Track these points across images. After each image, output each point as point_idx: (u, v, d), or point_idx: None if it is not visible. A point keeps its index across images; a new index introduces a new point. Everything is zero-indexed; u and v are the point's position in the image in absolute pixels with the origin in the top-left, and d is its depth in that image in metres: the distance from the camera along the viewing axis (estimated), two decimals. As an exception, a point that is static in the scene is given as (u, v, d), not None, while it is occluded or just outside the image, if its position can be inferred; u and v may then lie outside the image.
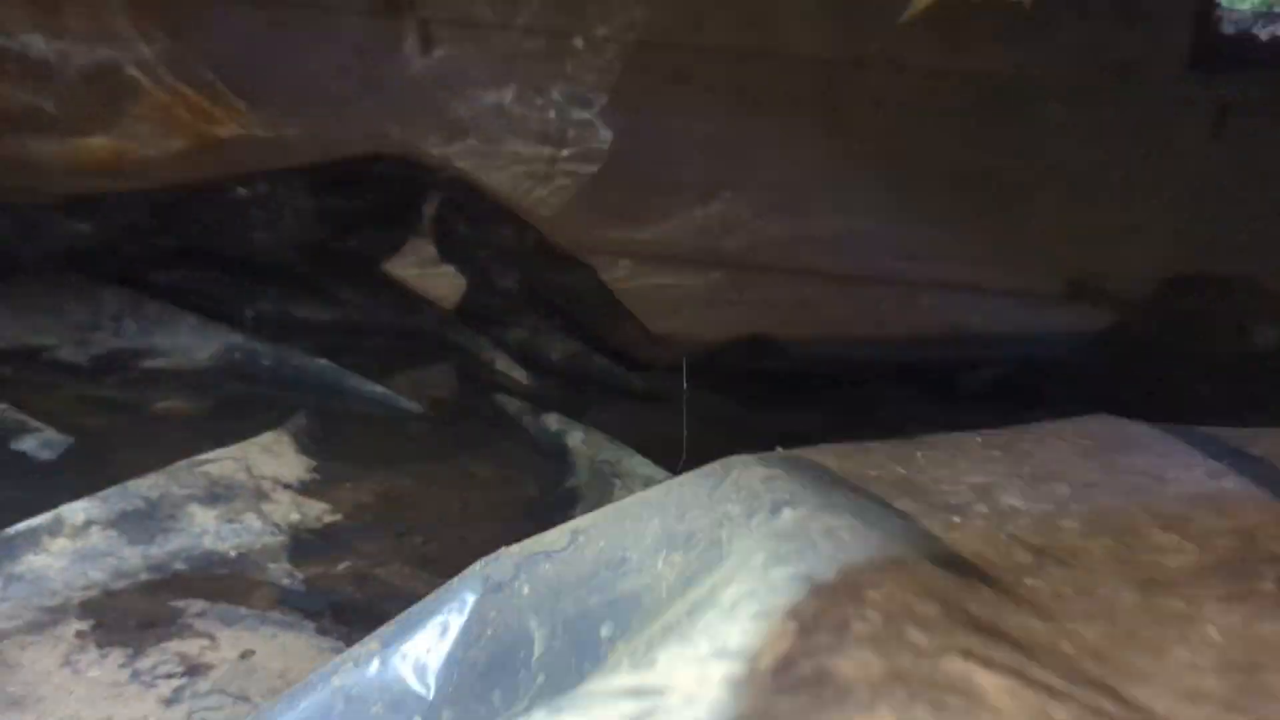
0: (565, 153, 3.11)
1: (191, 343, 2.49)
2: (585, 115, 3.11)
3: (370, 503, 1.66)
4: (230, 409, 2.08)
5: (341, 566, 1.40)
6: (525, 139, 3.15)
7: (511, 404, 2.28)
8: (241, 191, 2.99)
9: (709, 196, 3.15)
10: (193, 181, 3.06)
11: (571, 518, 1.71)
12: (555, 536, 0.83)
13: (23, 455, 1.68)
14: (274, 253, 2.95)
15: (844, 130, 2.95)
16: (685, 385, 2.73)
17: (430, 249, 3.07)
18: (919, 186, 3.16)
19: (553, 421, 2.06)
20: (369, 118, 3.22)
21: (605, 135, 3.11)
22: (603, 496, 1.66)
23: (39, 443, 1.72)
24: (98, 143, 3.08)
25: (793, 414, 2.67)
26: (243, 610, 1.25)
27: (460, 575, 0.85)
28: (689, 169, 3.17)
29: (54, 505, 1.48)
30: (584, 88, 3.10)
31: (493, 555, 0.84)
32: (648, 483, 1.78)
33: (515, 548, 0.84)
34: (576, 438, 1.94)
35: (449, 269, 3.07)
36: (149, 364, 2.34)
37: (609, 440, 1.92)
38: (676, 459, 1.93)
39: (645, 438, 2.24)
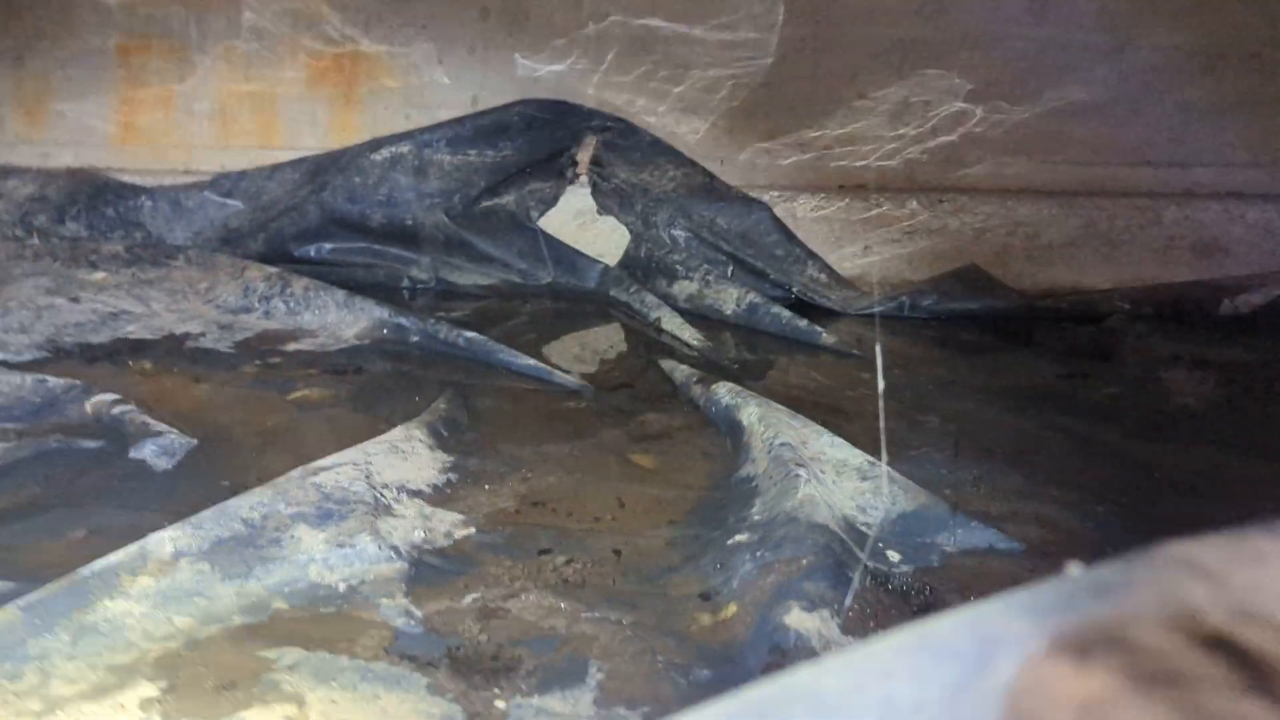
0: (736, 71, 2.74)
1: (339, 319, 2.32)
2: (753, 35, 2.74)
3: (510, 509, 1.41)
4: (368, 395, 1.89)
5: (468, 599, 1.15)
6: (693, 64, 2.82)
7: (679, 371, 1.98)
8: (380, 155, 2.81)
9: (899, 113, 2.73)
10: (333, 151, 2.91)
11: (747, 518, 1.42)
12: None
13: (141, 465, 1.52)
14: (420, 216, 2.76)
15: None
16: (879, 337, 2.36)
17: (587, 199, 2.80)
18: (1166, 64, 2.62)
19: (724, 393, 1.75)
20: (518, 62, 2.97)
21: (770, 47, 2.73)
22: (783, 491, 1.34)
23: (159, 449, 1.56)
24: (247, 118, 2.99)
25: (1014, 361, 2.25)
26: (343, 661, 1.02)
27: None
28: (875, 77, 2.75)
29: (152, 527, 1.31)
30: None
31: None
32: (839, 470, 1.45)
33: None
34: (752, 413, 1.62)
35: (608, 220, 2.80)
36: (293, 347, 2.18)
37: (790, 416, 1.59)
38: (874, 436, 1.58)
39: (834, 404, 1.90)
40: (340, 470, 1.36)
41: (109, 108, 2.98)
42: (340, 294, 2.34)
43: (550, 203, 2.77)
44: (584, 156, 2.80)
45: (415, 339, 2.21)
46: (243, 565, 1.17)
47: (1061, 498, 1.47)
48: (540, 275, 2.74)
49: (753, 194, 2.73)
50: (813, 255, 2.68)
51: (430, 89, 2.91)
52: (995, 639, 0.33)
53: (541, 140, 2.79)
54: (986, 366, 2.18)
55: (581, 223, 2.78)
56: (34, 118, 3.01)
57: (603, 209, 2.76)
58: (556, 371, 1.99)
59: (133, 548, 1.14)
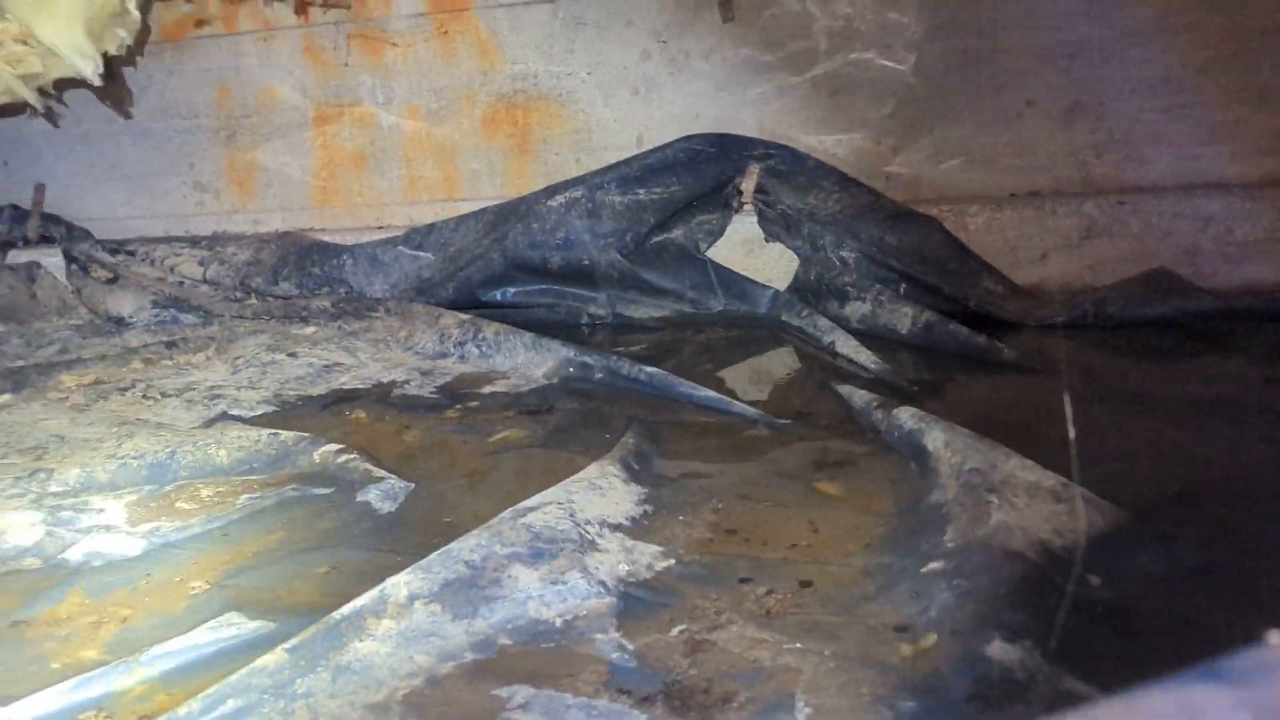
0: (896, 86, 2.73)
1: (528, 360, 2.46)
2: (912, 49, 2.73)
3: (707, 539, 1.48)
4: (561, 433, 2.00)
5: (675, 631, 1.22)
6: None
7: (857, 396, 2.01)
8: (556, 200, 2.96)
9: (1070, 114, 2.66)
10: (515, 197, 3.08)
11: (940, 545, 1.43)
12: None
13: (367, 508, 1.68)
14: (595, 256, 2.88)
15: None
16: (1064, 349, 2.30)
17: (754, 227, 2.86)
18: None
19: (907, 418, 1.76)
20: (679, 99, 3.06)
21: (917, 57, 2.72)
22: (976, 518, 1.35)
23: (382, 493, 1.71)
24: (432, 172, 3.20)
25: (1212, 367, 2.15)
26: (569, 699, 1.11)
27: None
28: (1042, 80, 2.69)
29: (383, 572, 1.44)
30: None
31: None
32: (1031, 494, 1.44)
33: None
34: (937, 438, 1.63)
35: (775, 246, 2.84)
36: (489, 389, 2.33)
37: (976, 439, 1.59)
38: (1065, 455, 1.56)
39: (1021, 423, 1.88)
40: (546, 510, 1.46)
41: (309, 173, 3.25)
42: (528, 336, 2.48)
43: (718, 233, 2.85)
44: (748, 185, 2.86)
45: (599, 376, 2.31)
46: (469, 605, 1.28)
47: (1272, 514, 1.42)
48: (711, 304, 2.82)
49: (920, 209, 2.72)
50: (988, 267, 2.64)
51: (598, 132, 3.04)
52: (1200, 711, 0.36)
53: (706, 173, 2.87)
54: (1182, 374, 2.10)
55: (749, 250, 2.84)
56: (245, 188, 3.31)
57: (769, 235, 2.80)
58: (736, 402, 2.05)
59: (374, 592, 1.26)
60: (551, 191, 2.92)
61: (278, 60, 3.17)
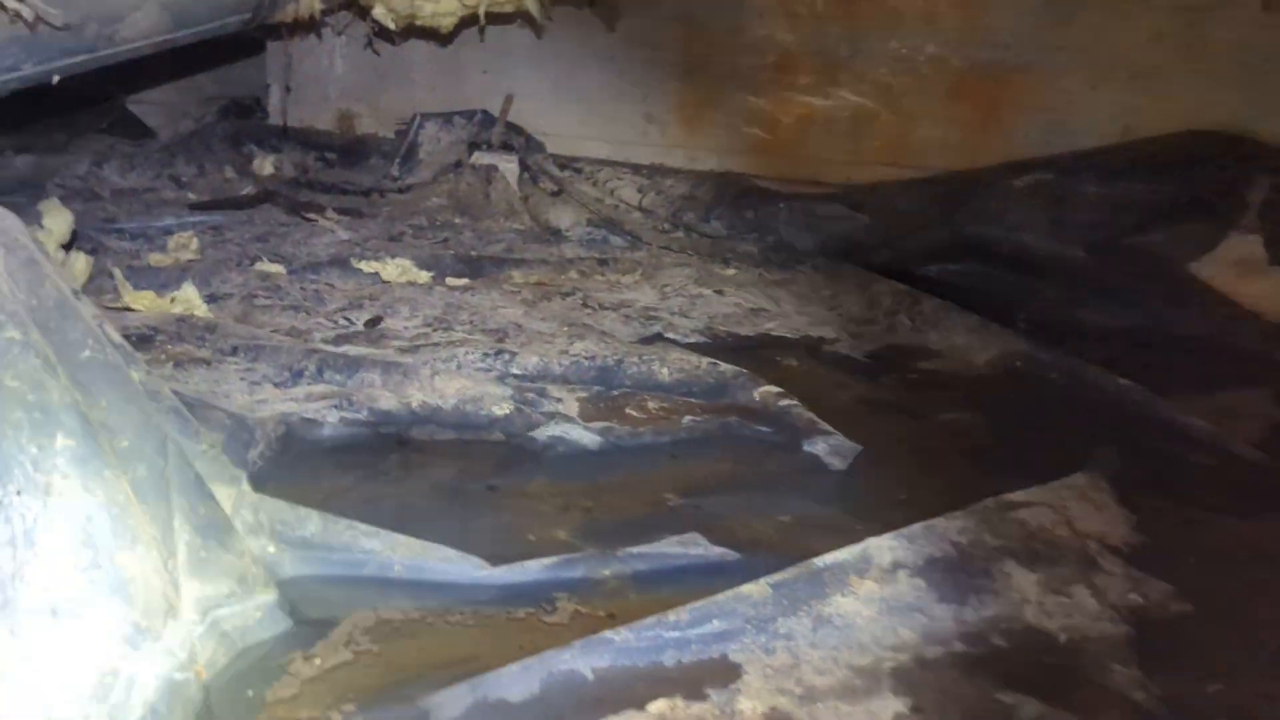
0: None
1: (968, 344, 2.27)
2: None
3: (1218, 585, 1.25)
4: (1012, 429, 1.81)
5: (1211, 689, 1.02)
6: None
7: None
8: (1022, 180, 2.71)
9: None
10: (970, 170, 2.88)
11: None
12: None
13: (816, 460, 1.59)
14: (1056, 248, 2.62)
15: None
16: None
17: (1255, 247, 2.46)
18: None
19: None
20: (1187, 91, 2.70)
21: None
22: None
23: (829, 448, 1.62)
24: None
25: None
26: (1088, 729, 0.95)
27: None
28: None
29: (855, 534, 1.35)
30: None
31: None
32: None
33: None
34: None
35: (1277, 272, 2.44)
36: (925, 365, 2.18)
37: None
38: None
39: None
40: (1036, 509, 1.30)
41: (755, 120, 3.23)
42: (974, 319, 2.29)
43: (1207, 247, 2.48)
44: (1254, 199, 2.47)
45: (1053, 376, 2.08)
46: (956, 590, 1.15)
47: None
48: (1182, 325, 2.47)
49: None
50: None
51: (1078, 116, 2.75)
52: None
53: (1204, 177, 2.51)
54: None
55: (1243, 274, 2.45)
56: (691, 126, 3.35)
57: (1275, 260, 2.40)
58: (1234, 439, 1.75)
59: (856, 549, 1.17)
60: (1015, 170, 2.69)
61: (751, 2, 3.16)
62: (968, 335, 2.29)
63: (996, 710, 0.98)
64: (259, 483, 1.33)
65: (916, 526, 1.22)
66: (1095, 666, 1.05)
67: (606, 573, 1.19)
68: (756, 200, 3.05)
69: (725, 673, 1.01)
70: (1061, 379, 2.07)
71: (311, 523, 1.13)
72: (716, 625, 1.04)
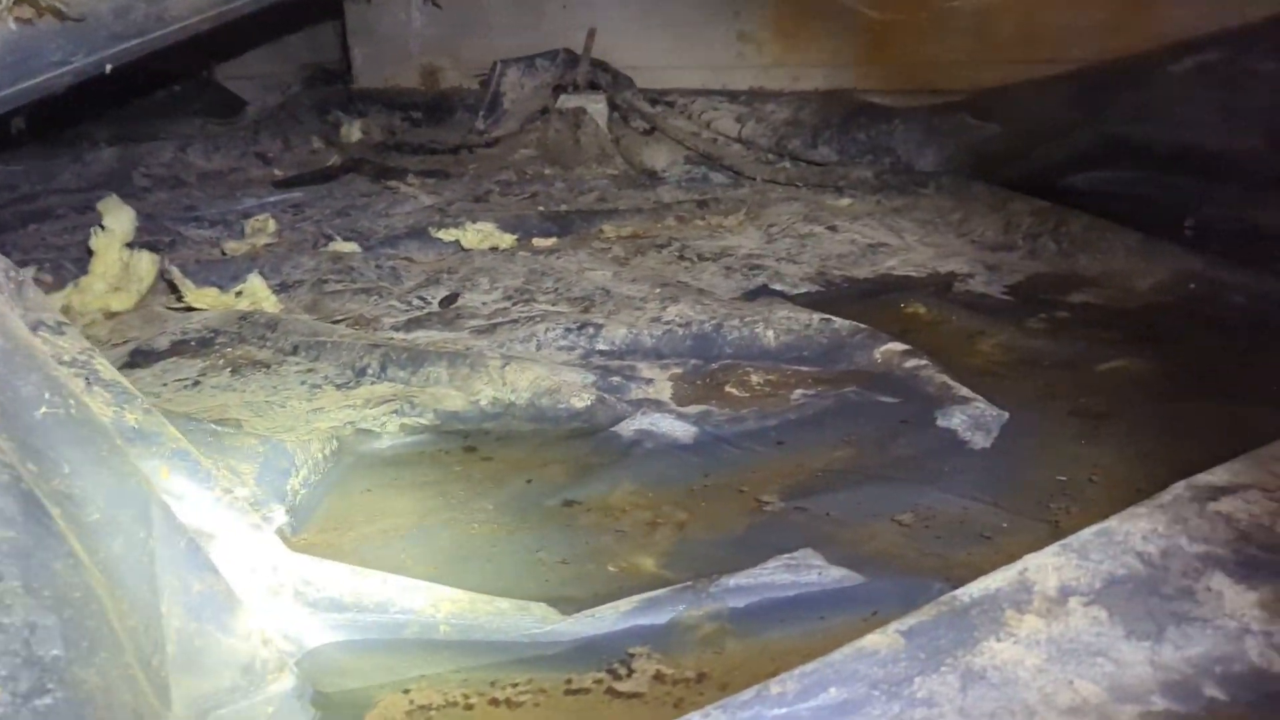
0: None
1: (1129, 268, 1.94)
2: None
3: None
4: (1197, 376, 1.49)
5: None
6: None
7: None
8: (1181, 65, 2.31)
9: None
10: (1117, 58, 2.48)
11: None
12: None
13: (952, 437, 1.33)
14: (1228, 142, 2.22)
15: None
16: None
17: None
18: None
19: None
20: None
21: None
22: None
23: (969, 420, 1.35)
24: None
25: None
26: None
27: None
28: None
29: (1006, 538, 1.09)
30: None
31: None
32: None
33: None
34: None
35: None
36: (1078, 297, 1.86)
37: None
38: None
39: None
40: (1248, 496, 1.01)
41: (862, 25, 2.89)
42: (1134, 237, 1.95)
43: None
44: None
45: (1238, 299, 1.74)
46: (1150, 621, 0.89)
47: None
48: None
49: None
50: None
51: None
52: None
53: None
54: None
55: None
56: (790, 40, 3.03)
57: None
58: None
59: (1011, 572, 0.92)
60: (1175, 53, 2.28)
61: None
62: (1127, 257, 1.96)
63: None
64: (299, 519, 1.17)
65: (1087, 533, 0.96)
66: (1355, 731, 0.78)
67: (699, 614, 0.97)
68: (868, 119, 2.73)
69: (849, 760, 0.79)
70: (1250, 302, 1.73)
71: (341, 579, 0.95)
72: (834, 694, 0.82)
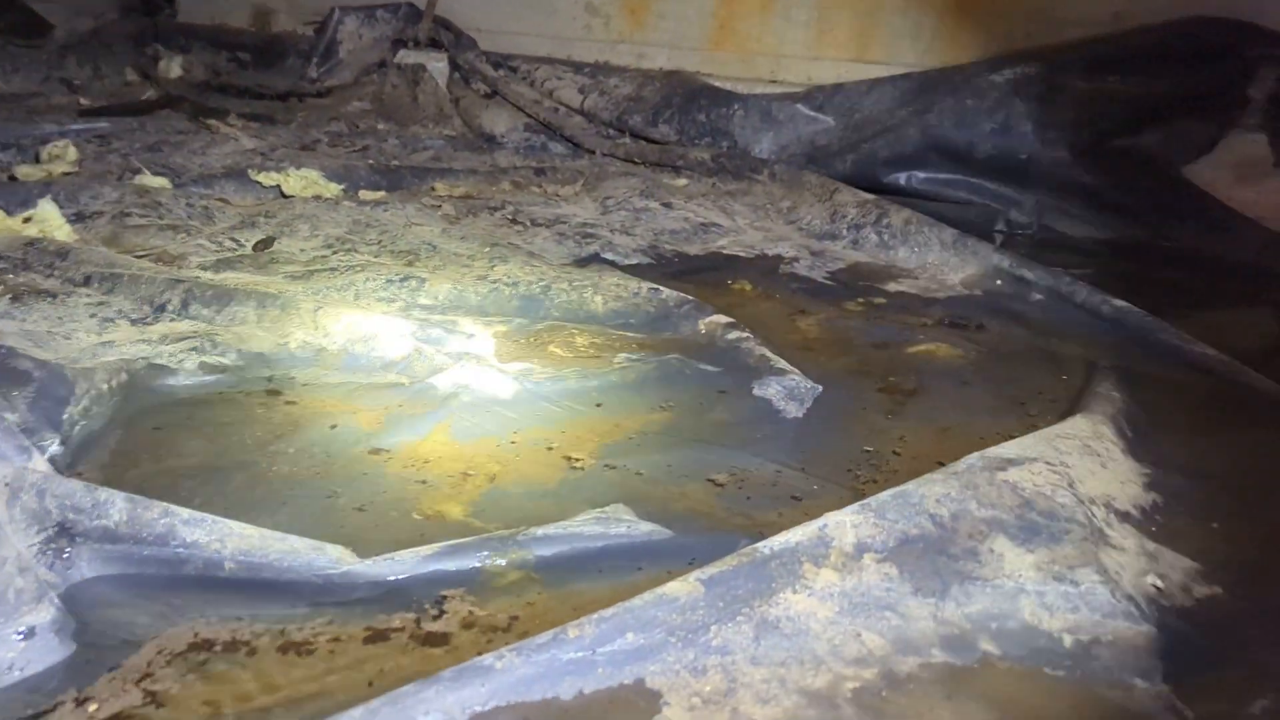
0: None
1: (942, 261, 2.03)
2: None
3: (1248, 556, 1.04)
4: (998, 362, 1.58)
5: (1258, 705, 0.81)
6: None
7: None
8: (1001, 76, 2.44)
9: None
10: (944, 65, 2.59)
11: None
12: None
13: (767, 406, 1.36)
14: (1039, 151, 2.37)
15: None
16: None
17: (1258, 147, 2.23)
18: None
19: None
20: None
21: None
22: None
23: (784, 391, 1.38)
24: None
25: None
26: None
27: None
28: None
29: (812, 500, 1.12)
30: None
31: None
32: None
33: None
34: None
35: (1281, 176, 2.21)
36: (894, 286, 1.94)
37: None
38: None
39: None
40: (1033, 468, 1.07)
41: (707, 12, 2.92)
42: (949, 232, 2.05)
43: (1204, 148, 2.25)
44: (1259, 93, 2.22)
45: (1038, 297, 1.86)
46: (936, 578, 0.92)
47: None
48: (1176, 235, 2.24)
49: None
50: None
51: (1064, 1, 2.47)
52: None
53: (1203, 69, 2.26)
54: None
55: (1243, 175, 2.22)
56: (637, 17, 3.03)
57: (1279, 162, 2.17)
58: (1248, 369, 1.54)
59: (811, 528, 0.94)
60: (996, 65, 2.41)
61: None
62: (942, 251, 2.05)
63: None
64: (78, 453, 1.07)
65: (886, 495, 0.99)
66: (1111, 682, 0.84)
67: (504, 561, 0.95)
68: (709, 101, 2.76)
69: (640, 705, 0.78)
70: (1048, 300, 1.84)
71: (115, 508, 0.87)
72: (632, 640, 0.81)
